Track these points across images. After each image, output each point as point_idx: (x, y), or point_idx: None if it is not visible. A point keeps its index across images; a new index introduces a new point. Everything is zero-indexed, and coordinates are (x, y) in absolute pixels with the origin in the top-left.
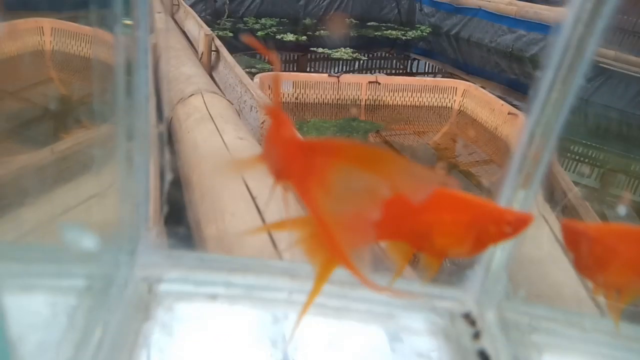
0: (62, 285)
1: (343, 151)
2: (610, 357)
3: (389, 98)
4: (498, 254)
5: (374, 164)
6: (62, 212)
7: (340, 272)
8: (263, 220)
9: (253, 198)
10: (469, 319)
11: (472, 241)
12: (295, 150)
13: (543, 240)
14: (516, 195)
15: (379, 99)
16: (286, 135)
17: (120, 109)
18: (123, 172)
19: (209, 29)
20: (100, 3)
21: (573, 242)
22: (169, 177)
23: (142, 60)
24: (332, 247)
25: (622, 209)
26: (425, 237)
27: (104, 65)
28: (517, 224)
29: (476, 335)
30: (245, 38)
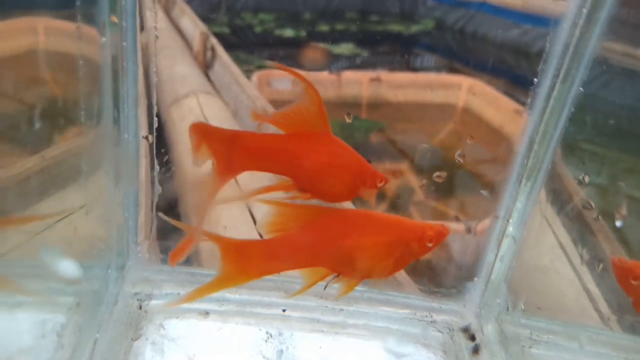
0: (51, 302)
1: None
2: None
3: (391, 95)
4: (497, 265)
5: None
6: (47, 226)
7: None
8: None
9: (249, 208)
10: (468, 332)
11: (394, 260)
12: None
13: (546, 248)
14: (520, 190)
15: (381, 96)
16: None
17: (107, 114)
18: (110, 183)
19: (204, 26)
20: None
21: (627, 281)
22: (158, 189)
23: (130, 58)
24: None
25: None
26: (347, 262)
27: (90, 64)
28: (438, 238)
29: (475, 350)
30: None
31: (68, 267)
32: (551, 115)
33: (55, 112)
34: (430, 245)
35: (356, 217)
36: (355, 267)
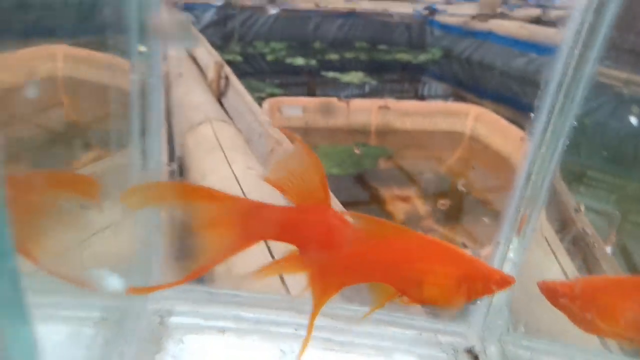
0: (80, 316)
1: None
2: None
3: (399, 123)
4: None
5: None
6: (79, 244)
7: (343, 309)
8: (270, 252)
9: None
10: (471, 353)
11: (457, 294)
12: None
13: (549, 274)
14: (519, 217)
15: (389, 123)
16: None
17: (135, 135)
18: None
19: (218, 55)
20: (116, 30)
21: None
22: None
23: (155, 87)
24: None
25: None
26: (415, 284)
27: (119, 91)
28: (502, 284)
29: None
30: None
31: (112, 281)
32: (549, 144)
33: (86, 136)
34: (494, 289)
35: (431, 244)
36: (421, 291)
